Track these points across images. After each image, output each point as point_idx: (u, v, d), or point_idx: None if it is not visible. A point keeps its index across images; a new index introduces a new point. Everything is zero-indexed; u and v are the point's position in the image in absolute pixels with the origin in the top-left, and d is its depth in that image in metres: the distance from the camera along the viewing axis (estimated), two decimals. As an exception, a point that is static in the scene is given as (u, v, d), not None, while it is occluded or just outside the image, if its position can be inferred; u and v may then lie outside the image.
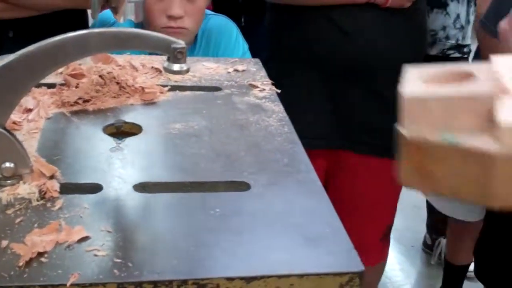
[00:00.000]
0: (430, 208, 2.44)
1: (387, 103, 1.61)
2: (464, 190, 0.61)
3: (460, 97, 0.64)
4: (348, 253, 0.66)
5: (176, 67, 0.69)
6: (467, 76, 0.72)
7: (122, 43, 0.68)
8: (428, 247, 2.65)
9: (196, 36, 1.78)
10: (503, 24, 0.85)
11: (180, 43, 0.69)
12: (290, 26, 1.73)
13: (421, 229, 2.69)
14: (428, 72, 0.70)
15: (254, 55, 1.85)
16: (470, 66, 0.75)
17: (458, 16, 2.18)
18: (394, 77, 1.58)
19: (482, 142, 0.58)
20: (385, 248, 1.92)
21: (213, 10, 1.84)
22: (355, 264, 0.64)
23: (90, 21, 1.89)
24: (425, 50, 1.85)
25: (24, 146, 0.70)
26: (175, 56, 0.69)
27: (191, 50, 1.77)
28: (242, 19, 2.35)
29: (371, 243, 1.83)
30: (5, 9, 1.53)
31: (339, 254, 0.66)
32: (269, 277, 0.61)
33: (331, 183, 1.73)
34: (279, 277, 0.61)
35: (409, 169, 0.65)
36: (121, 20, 0.73)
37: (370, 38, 1.60)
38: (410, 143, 0.63)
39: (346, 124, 1.63)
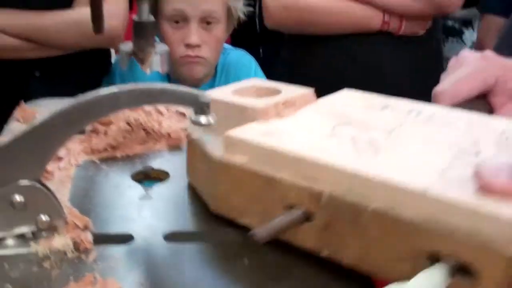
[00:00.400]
0: None
1: None
2: None
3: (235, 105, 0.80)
4: None
5: (203, 119, 0.71)
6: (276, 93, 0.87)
7: (151, 99, 0.71)
8: None
9: (215, 70, 1.81)
10: (439, 88, 0.86)
11: (206, 96, 0.71)
12: (303, 54, 1.76)
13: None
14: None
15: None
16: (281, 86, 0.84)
17: (473, 44, 2.21)
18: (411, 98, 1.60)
19: None
20: None
21: (231, 42, 1.88)
22: None
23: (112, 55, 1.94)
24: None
25: (57, 197, 0.72)
26: (202, 109, 0.71)
27: (211, 84, 1.80)
28: (261, 50, 2.39)
29: None
30: (32, 48, 1.57)
31: None
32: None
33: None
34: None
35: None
36: (148, 71, 0.76)
37: (383, 66, 1.63)
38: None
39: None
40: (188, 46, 1.66)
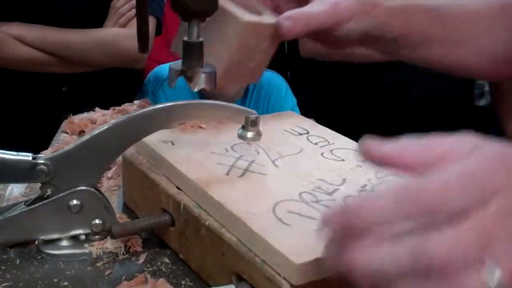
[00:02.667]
0: None
1: None
2: None
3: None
4: None
5: (250, 134, 0.76)
6: None
7: (202, 114, 0.75)
8: None
9: (247, 90, 1.85)
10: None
11: (254, 112, 0.76)
12: (336, 81, 1.79)
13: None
14: None
15: (301, 108, 1.93)
16: None
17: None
18: (440, 126, 1.64)
19: None
20: None
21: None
22: None
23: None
24: (472, 101, 1.88)
25: (111, 204, 0.77)
26: (250, 125, 0.75)
27: (242, 103, 1.85)
28: (288, 73, 2.43)
29: None
30: (58, 64, 1.62)
31: None
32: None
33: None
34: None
35: None
36: (195, 89, 0.80)
37: (413, 89, 1.65)
38: None
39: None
40: None
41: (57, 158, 0.72)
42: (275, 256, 0.60)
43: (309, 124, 0.94)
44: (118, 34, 1.66)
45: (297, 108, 1.92)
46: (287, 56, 2.46)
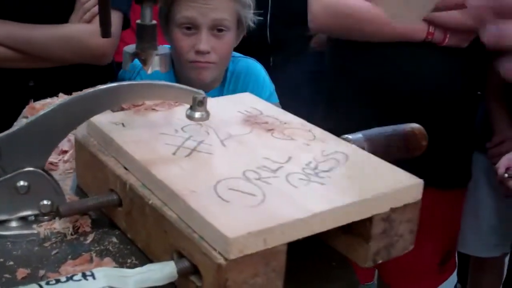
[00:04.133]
0: (461, 256, 2.38)
1: (439, 136, 1.67)
2: None
3: None
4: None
5: (197, 114, 0.77)
6: None
7: (149, 94, 0.76)
8: None
9: (225, 77, 1.86)
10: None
11: (201, 93, 0.76)
12: (349, 62, 1.78)
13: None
14: None
15: (281, 95, 1.93)
16: None
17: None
18: (449, 113, 1.63)
19: None
20: (444, 273, 1.96)
21: (243, 51, 1.92)
22: None
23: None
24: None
25: (60, 185, 0.78)
26: (197, 105, 0.76)
27: (219, 90, 1.85)
28: (271, 60, 2.43)
29: (430, 269, 1.91)
30: (24, 60, 1.61)
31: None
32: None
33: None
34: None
35: None
36: (149, 71, 0.81)
37: (425, 75, 1.65)
38: None
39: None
40: (198, 52, 1.70)
41: (3, 139, 0.73)
42: (211, 232, 0.61)
43: (263, 105, 0.95)
44: (82, 30, 1.64)
45: (274, 94, 1.92)
46: (270, 44, 2.46)
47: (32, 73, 1.63)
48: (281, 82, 2.05)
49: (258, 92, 1.91)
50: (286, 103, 1.58)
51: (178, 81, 1.82)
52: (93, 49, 1.62)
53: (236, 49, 1.81)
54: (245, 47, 1.89)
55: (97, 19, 1.59)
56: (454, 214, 1.91)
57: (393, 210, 0.71)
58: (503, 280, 2.03)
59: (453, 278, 2.42)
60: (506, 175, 1.49)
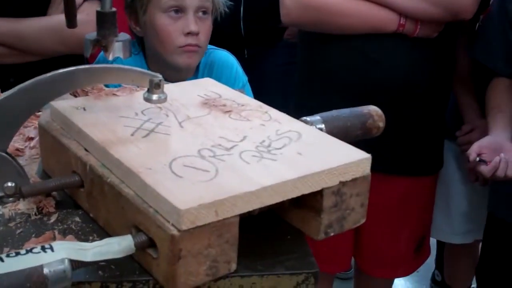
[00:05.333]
0: (439, 244, 2.46)
1: (411, 125, 1.71)
2: None
3: None
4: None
5: (155, 97, 0.79)
6: None
7: (107, 77, 0.79)
8: (437, 284, 2.61)
9: (197, 69, 1.88)
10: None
11: (158, 76, 0.79)
12: (319, 53, 1.80)
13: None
14: None
15: (256, 86, 1.96)
16: None
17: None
18: (420, 103, 1.67)
19: None
20: (419, 259, 2.01)
21: (217, 43, 1.93)
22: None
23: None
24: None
25: (24, 168, 0.80)
26: (154, 87, 0.79)
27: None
28: (245, 52, 2.46)
29: (406, 255, 1.95)
30: (7, 54, 1.62)
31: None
32: (233, 276, 0.70)
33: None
34: (242, 276, 0.71)
35: None
36: (110, 57, 0.84)
37: (396, 66, 1.68)
38: None
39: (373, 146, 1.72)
40: (189, 34, 1.71)
41: (-35, 124, 0.75)
42: (164, 205, 0.64)
43: (223, 89, 0.98)
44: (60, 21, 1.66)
45: (248, 85, 1.94)
46: (244, 37, 2.49)
47: (13, 69, 1.64)
48: (256, 74, 2.08)
49: (231, 84, 1.94)
50: (261, 95, 1.61)
51: (150, 70, 1.84)
52: (80, 39, 1.63)
53: (210, 42, 1.82)
54: (219, 39, 1.91)
55: (82, 8, 1.61)
56: (427, 201, 1.95)
57: (342, 183, 0.74)
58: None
59: (430, 264, 2.46)
60: (478, 159, 1.53)
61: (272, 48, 2.54)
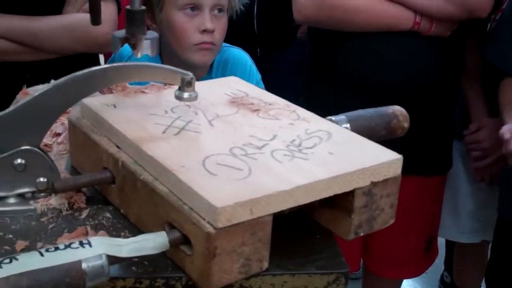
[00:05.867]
0: (448, 245, 2.45)
1: (422, 124, 1.71)
2: None
3: None
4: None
5: (186, 95, 0.80)
6: None
7: (139, 75, 0.79)
8: (446, 285, 2.59)
9: (211, 66, 1.89)
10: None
11: (189, 74, 0.80)
12: (330, 52, 1.80)
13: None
14: None
15: (269, 84, 1.96)
16: None
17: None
18: (432, 102, 1.66)
19: None
20: (428, 259, 2.00)
21: (230, 42, 1.94)
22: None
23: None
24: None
25: (55, 164, 0.81)
26: (185, 85, 0.80)
27: (207, 79, 1.88)
28: (258, 50, 2.47)
29: (415, 255, 1.94)
30: (22, 52, 1.63)
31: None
32: (264, 275, 0.71)
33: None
34: (274, 275, 0.71)
35: None
36: (139, 55, 0.84)
37: (410, 65, 1.67)
38: None
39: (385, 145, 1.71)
40: (204, 32, 1.72)
41: (0, 118, 0.76)
42: (200, 202, 0.65)
43: (249, 87, 0.98)
44: (86, 19, 1.66)
45: (261, 83, 1.95)
46: (257, 35, 2.49)
47: (28, 66, 1.64)
48: (268, 72, 2.08)
49: (245, 81, 1.94)
50: (273, 93, 1.61)
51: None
52: (98, 37, 1.63)
53: (223, 40, 1.83)
54: (232, 38, 1.91)
55: None
56: (436, 201, 1.95)
57: (374, 184, 0.74)
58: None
59: (439, 266, 2.47)
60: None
61: (285, 46, 2.55)
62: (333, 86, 1.78)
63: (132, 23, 0.88)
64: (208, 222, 0.64)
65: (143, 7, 0.89)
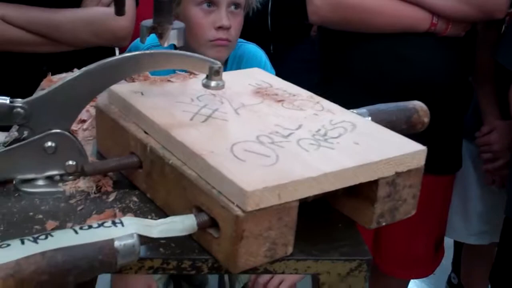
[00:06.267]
0: (457, 246, 2.46)
1: (438, 124, 1.71)
2: None
3: None
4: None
5: (213, 83, 0.82)
6: None
7: (168, 62, 0.81)
8: (453, 287, 2.59)
9: (226, 61, 1.90)
10: None
11: (217, 63, 0.81)
12: (344, 51, 1.81)
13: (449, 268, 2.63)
14: None
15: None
16: None
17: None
18: (445, 102, 1.66)
19: None
20: (437, 259, 2.02)
21: (244, 37, 1.95)
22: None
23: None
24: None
25: (84, 148, 0.83)
26: (213, 74, 0.81)
27: (222, 74, 1.89)
28: (271, 47, 2.48)
29: (425, 255, 1.96)
30: (41, 43, 1.64)
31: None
32: (288, 259, 0.72)
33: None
34: (297, 260, 0.73)
35: None
36: (165, 44, 0.86)
37: (425, 65, 1.68)
38: None
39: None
40: (220, 28, 1.73)
41: (33, 102, 0.78)
42: (229, 186, 0.66)
43: (273, 78, 1.00)
44: (104, 12, 1.68)
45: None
46: (271, 32, 2.50)
47: (46, 57, 1.66)
48: (281, 69, 2.10)
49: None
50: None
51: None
52: (116, 31, 1.65)
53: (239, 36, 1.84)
54: (246, 34, 1.92)
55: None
56: (445, 200, 1.96)
57: (398, 174, 0.76)
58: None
59: (446, 267, 2.48)
60: None
61: (298, 44, 2.56)
62: (348, 85, 1.78)
63: (160, 12, 0.89)
64: (237, 206, 0.65)
65: (171, -3, 0.90)
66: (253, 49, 2.00)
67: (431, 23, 1.65)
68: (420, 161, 0.78)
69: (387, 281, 2.06)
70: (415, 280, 2.51)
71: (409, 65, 1.69)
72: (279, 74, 1.98)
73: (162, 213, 0.78)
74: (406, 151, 0.76)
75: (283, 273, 0.73)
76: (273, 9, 2.44)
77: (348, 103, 0.99)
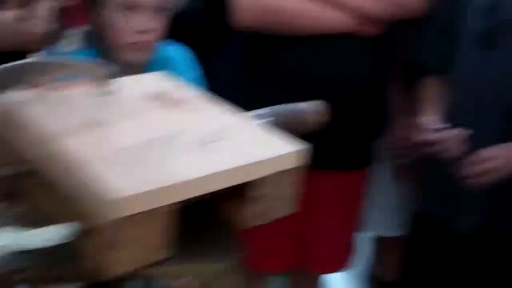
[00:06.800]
0: (372, 239, 2.47)
1: (350, 122, 1.76)
2: None
3: None
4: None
5: (105, 89, 0.85)
6: None
7: (57, 70, 0.83)
8: (371, 279, 2.58)
9: (150, 63, 1.90)
10: None
11: (109, 68, 0.84)
12: (270, 52, 1.82)
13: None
14: None
15: (210, 80, 1.98)
16: None
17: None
18: (360, 99, 1.68)
19: None
20: (353, 252, 2.07)
21: (171, 37, 1.94)
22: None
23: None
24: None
25: None
26: (104, 79, 0.84)
27: (147, 74, 1.89)
28: (198, 46, 2.48)
29: (342, 249, 2.03)
30: None
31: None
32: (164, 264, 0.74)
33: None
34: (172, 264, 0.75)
35: None
36: (68, 49, 0.87)
37: (344, 65, 1.72)
38: None
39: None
40: (141, 32, 1.72)
41: None
42: (100, 194, 0.68)
43: (171, 82, 1.03)
44: (14, 17, 1.65)
45: (200, 80, 1.97)
46: (200, 30, 2.49)
47: None
48: (209, 69, 2.10)
49: (184, 78, 1.96)
50: (213, 89, 1.62)
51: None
52: (24, 36, 1.64)
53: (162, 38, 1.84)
54: (175, 32, 1.91)
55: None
56: (359, 196, 2.01)
57: (273, 175, 0.79)
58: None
59: (363, 259, 2.52)
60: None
61: (226, 42, 2.56)
62: (272, 86, 1.80)
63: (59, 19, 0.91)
64: (107, 213, 0.67)
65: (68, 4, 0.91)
66: (177, 49, 1.99)
67: (350, 24, 1.68)
68: (296, 162, 0.81)
69: (306, 277, 2.13)
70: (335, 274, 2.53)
71: (329, 66, 1.73)
72: (209, 73, 1.99)
73: (43, 222, 0.77)
74: (280, 152, 0.80)
75: (161, 278, 0.75)
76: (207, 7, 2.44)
77: (271, 104, 1.02)
